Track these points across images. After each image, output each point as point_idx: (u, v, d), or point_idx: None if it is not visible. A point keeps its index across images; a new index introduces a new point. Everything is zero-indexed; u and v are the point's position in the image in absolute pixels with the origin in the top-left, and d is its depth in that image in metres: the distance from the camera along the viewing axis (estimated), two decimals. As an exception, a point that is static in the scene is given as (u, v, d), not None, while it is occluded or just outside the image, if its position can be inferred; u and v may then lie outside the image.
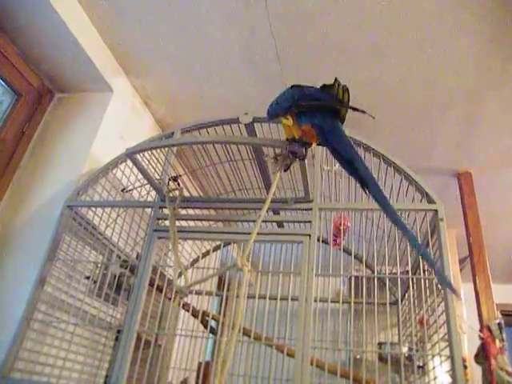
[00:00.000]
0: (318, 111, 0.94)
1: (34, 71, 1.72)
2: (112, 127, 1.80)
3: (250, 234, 1.19)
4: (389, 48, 1.65)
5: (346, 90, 0.94)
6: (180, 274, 1.15)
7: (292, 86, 1.01)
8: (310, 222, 1.19)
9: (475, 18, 1.49)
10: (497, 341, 1.77)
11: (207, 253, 2.05)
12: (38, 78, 1.75)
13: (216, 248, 2.10)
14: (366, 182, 0.83)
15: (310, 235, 1.16)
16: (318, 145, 1.04)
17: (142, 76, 1.92)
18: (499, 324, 1.83)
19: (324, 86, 0.95)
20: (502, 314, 2.06)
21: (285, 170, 1.05)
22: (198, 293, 1.55)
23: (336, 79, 0.94)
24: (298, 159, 1.04)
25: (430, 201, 1.16)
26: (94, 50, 1.67)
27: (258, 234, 1.05)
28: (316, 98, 0.94)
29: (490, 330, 1.80)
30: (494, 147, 2.08)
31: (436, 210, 1.14)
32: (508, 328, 1.95)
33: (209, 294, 2.06)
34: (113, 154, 1.53)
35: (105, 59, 1.76)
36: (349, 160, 0.87)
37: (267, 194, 1.65)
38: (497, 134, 2.00)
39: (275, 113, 1.01)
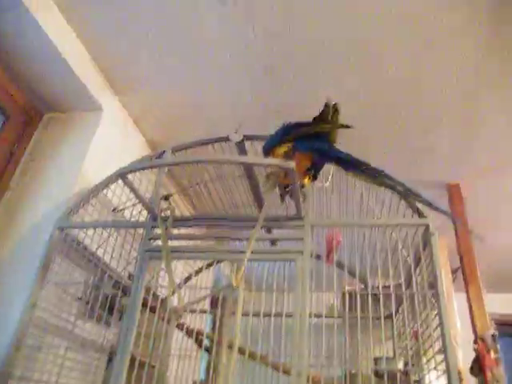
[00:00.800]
0: (313, 138, 0.98)
1: (22, 91, 1.72)
2: (102, 146, 1.80)
3: (243, 252, 1.20)
4: (385, 57, 1.67)
5: (335, 109, 0.98)
6: (173, 293, 1.15)
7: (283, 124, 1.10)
8: (302, 238, 1.19)
9: (467, 27, 1.52)
10: (492, 352, 1.77)
11: (200, 270, 2.04)
12: (27, 98, 1.75)
13: (208, 266, 2.09)
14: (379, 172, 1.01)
15: (302, 252, 1.16)
16: (310, 176, 1.10)
17: (132, 95, 1.93)
18: (493, 335, 1.83)
19: (315, 118, 1.05)
20: (496, 324, 2.07)
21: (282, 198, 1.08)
22: (192, 311, 1.54)
23: (326, 104, 0.99)
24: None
25: (421, 215, 1.17)
26: (83, 70, 1.68)
27: (252, 252, 1.05)
28: (307, 124, 1.02)
29: (484, 341, 1.80)
30: (483, 158, 2.11)
31: (427, 225, 1.15)
32: (503, 338, 1.96)
33: (203, 311, 2.04)
34: (103, 173, 1.53)
35: (95, 78, 1.77)
36: (356, 163, 1.03)
37: (258, 210, 1.67)
38: (486, 144, 2.03)
39: (271, 145, 1.07)
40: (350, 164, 1.06)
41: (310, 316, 1.10)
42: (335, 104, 1.02)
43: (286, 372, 1.13)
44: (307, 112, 1.93)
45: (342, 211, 1.29)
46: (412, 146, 2.10)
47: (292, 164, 0.97)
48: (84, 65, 1.70)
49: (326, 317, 1.22)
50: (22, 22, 1.44)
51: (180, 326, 1.60)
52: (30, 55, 1.58)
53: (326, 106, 1.02)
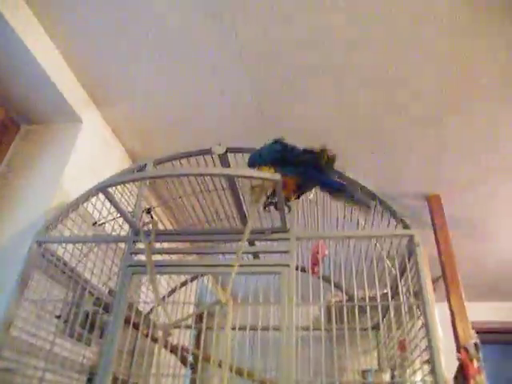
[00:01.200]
0: (301, 165, 1.05)
1: (-1, 103, 1.67)
2: (82, 159, 1.76)
3: (228, 265, 1.18)
4: (362, 74, 1.69)
5: (332, 158, 1.03)
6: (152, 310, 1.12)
7: (276, 141, 1.12)
8: (287, 252, 1.18)
9: (441, 43, 1.56)
10: (474, 361, 1.79)
11: (183, 285, 2.01)
12: (3, 110, 1.70)
13: (192, 279, 2.06)
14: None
15: (288, 265, 1.15)
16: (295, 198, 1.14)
17: (112, 107, 1.90)
18: (475, 344, 1.85)
19: (305, 151, 1.08)
20: (477, 332, 2.08)
21: (264, 208, 1.08)
22: (176, 327, 1.50)
23: (325, 149, 1.06)
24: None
25: (406, 226, 1.18)
26: (62, 81, 1.64)
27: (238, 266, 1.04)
28: (300, 155, 1.06)
29: (466, 350, 1.82)
30: (461, 168, 2.15)
31: (412, 236, 1.16)
32: (484, 345, 1.97)
33: (187, 327, 2.00)
34: (83, 186, 1.49)
35: (74, 90, 1.74)
36: (340, 189, 1.06)
37: (241, 223, 1.66)
38: (463, 155, 2.07)
39: (257, 163, 1.09)
40: (337, 190, 1.08)
41: (297, 329, 1.09)
42: (334, 155, 1.08)
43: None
44: (291, 125, 1.95)
45: (326, 223, 1.28)
46: (393, 159, 2.13)
47: (278, 176, 0.96)
48: (64, 77, 1.67)
49: (312, 329, 1.21)
50: (3, 36, 1.41)
51: (165, 343, 1.56)
52: (8, 66, 1.54)
53: (324, 150, 1.07)
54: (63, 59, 1.66)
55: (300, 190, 1.11)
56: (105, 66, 1.70)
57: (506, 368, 3.89)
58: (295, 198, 1.15)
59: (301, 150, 1.08)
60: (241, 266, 1.15)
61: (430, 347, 1.04)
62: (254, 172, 0.99)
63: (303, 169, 1.05)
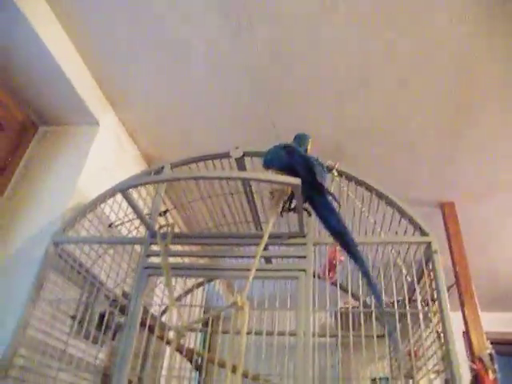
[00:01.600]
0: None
1: (17, 103, 1.69)
2: (98, 161, 1.77)
3: (245, 270, 1.18)
4: (374, 83, 1.70)
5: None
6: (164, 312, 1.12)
7: (285, 147, 1.11)
8: (304, 257, 1.18)
9: (455, 58, 1.56)
10: (490, 372, 1.76)
11: (192, 288, 2.01)
12: (22, 111, 1.72)
13: (200, 284, 2.06)
14: (356, 257, 0.96)
15: (305, 270, 1.15)
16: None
17: (129, 110, 1.92)
18: (490, 354, 1.83)
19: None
20: (492, 343, 2.05)
21: (281, 213, 1.08)
22: (190, 329, 1.50)
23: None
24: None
25: (424, 233, 1.17)
26: (81, 83, 1.66)
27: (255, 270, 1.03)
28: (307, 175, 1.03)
29: (482, 361, 1.79)
30: (477, 177, 2.13)
31: (429, 243, 1.15)
32: (499, 357, 1.94)
33: (197, 330, 2.00)
34: (99, 188, 1.50)
35: (92, 92, 1.76)
36: (340, 234, 1.00)
37: (255, 228, 1.66)
38: (479, 164, 2.05)
39: (271, 166, 1.09)
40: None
41: (314, 335, 1.08)
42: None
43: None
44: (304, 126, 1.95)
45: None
46: (408, 164, 2.12)
47: (298, 181, 0.96)
48: (82, 79, 1.69)
49: (325, 336, 1.20)
50: (23, 35, 1.43)
51: (177, 346, 1.56)
52: (28, 67, 1.56)
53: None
54: (82, 60, 1.68)
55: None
56: (123, 68, 1.72)
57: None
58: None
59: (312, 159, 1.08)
60: (258, 270, 1.15)
61: (447, 356, 1.02)
62: (276, 176, 0.99)
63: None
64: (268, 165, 1.11)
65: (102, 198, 1.44)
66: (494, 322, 3.38)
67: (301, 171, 1.01)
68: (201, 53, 1.63)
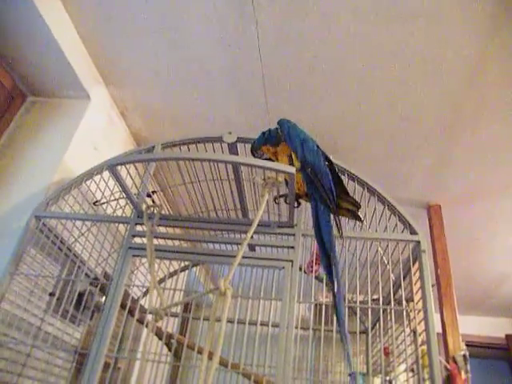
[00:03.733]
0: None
1: (6, 70, 1.63)
2: (86, 137, 1.72)
3: (231, 256, 1.17)
4: (373, 82, 1.69)
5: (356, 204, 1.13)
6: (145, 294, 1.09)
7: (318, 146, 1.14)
8: (292, 247, 1.17)
9: (454, 61, 1.56)
10: (462, 372, 1.79)
11: (174, 272, 1.98)
12: (10, 78, 1.66)
13: (184, 268, 2.03)
14: (335, 280, 0.99)
15: (292, 261, 1.14)
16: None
17: (121, 87, 1.87)
18: (464, 356, 1.86)
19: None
20: (466, 345, 2.09)
21: (275, 200, 1.07)
22: (168, 314, 1.48)
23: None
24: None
25: (413, 232, 1.17)
26: (75, 56, 1.61)
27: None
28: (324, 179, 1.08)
29: (455, 361, 1.82)
30: (464, 182, 2.16)
31: (418, 241, 1.15)
32: (470, 358, 1.98)
33: (174, 315, 1.98)
34: (85, 164, 1.46)
35: (85, 66, 1.70)
36: (328, 254, 1.03)
37: (243, 215, 1.64)
38: (467, 169, 2.07)
39: (300, 148, 1.10)
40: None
41: (297, 327, 1.08)
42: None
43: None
44: (299, 121, 1.93)
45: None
46: (398, 164, 2.13)
47: (293, 169, 0.95)
48: (76, 52, 1.63)
49: (305, 329, 1.19)
50: (19, 5, 1.37)
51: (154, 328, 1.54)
52: (21, 36, 1.50)
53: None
54: (77, 33, 1.62)
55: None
56: (118, 44, 1.67)
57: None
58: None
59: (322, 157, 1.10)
60: (244, 257, 1.14)
61: (428, 352, 1.03)
62: (273, 164, 0.97)
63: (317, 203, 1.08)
64: (295, 142, 1.09)
65: (89, 175, 1.40)
66: (468, 325, 3.46)
67: (326, 183, 1.06)
68: (199, 32, 1.58)
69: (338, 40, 1.54)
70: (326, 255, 1.04)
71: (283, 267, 1.13)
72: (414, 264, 1.17)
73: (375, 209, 1.25)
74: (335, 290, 0.99)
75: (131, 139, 2.12)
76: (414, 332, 1.40)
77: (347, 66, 1.64)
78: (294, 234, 1.19)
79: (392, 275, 1.36)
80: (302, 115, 1.90)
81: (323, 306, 1.13)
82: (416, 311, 1.12)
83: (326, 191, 1.05)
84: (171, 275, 2.02)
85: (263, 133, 1.18)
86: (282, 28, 1.53)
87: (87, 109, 1.73)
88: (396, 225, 1.22)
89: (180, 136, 2.05)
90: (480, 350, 3.77)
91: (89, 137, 1.75)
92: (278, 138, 1.12)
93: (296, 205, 1.15)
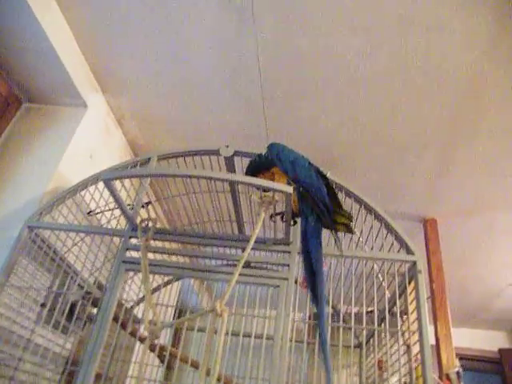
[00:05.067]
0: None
1: (0, 75, 1.61)
2: (82, 145, 1.71)
3: (227, 273, 1.15)
4: (372, 93, 1.69)
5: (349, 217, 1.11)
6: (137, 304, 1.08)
7: (310, 164, 1.15)
8: (288, 265, 1.16)
9: (452, 72, 1.56)
10: (455, 390, 1.78)
11: (167, 284, 1.96)
12: (5, 84, 1.64)
13: (177, 279, 2.01)
14: (319, 300, 1.00)
15: (287, 279, 1.13)
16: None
17: (119, 95, 1.86)
18: (458, 372, 1.85)
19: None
20: (458, 358, 2.08)
21: (271, 218, 1.06)
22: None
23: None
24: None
25: (409, 252, 1.16)
26: (72, 63, 1.60)
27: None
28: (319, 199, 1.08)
29: (449, 378, 1.81)
30: (460, 196, 2.16)
31: (415, 262, 1.14)
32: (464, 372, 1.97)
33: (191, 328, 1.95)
34: (80, 173, 1.45)
35: (82, 74, 1.69)
36: (314, 271, 1.03)
37: (238, 228, 1.63)
38: (464, 183, 2.08)
39: (290, 169, 1.10)
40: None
41: (291, 340, 1.07)
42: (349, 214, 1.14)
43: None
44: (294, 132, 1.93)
45: (329, 240, 1.25)
46: (394, 177, 2.13)
47: (291, 189, 0.94)
48: (74, 59, 1.62)
49: (299, 342, 1.18)
50: (15, 8, 1.36)
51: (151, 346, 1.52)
52: (17, 40, 1.49)
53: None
54: (75, 40, 1.61)
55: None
56: (116, 52, 1.66)
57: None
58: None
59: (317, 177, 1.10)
60: (240, 275, 1.12)
61: (424, 374, 1.02)
62: (269, 183, 0.96)
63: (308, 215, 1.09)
64: (285, 164, 1.09)
65: (84, 185, 1.38)
66: (461, 338, 3.46)
67: (320, 198, 1.06)
68: (198, 40, 1.58)
69: (336, 52, 1.54)
70: (312, 273, 1.04)
71: (278, 285, 1.12)
72: (409, 282, 1.17)
73: (372, 227, 1.24)
74: (319, 310, 0.98)
75: (127, 147, 2.11)
76: (408, 347, 1.40)
77: (346, 76, 1.64)
78: (289, 252, 1.18)
79: (387, 292, 1.35)
80: (299, 124, 1.90)
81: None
82: (411, 333, 1.11)
83: (320, 206, 1.05)
84: (166, 284, 2.00)
85: (253, 160, 1.19)
86: (282, 37, 1.53)
87: (83, 116, 1.72)
88: (392, 244, 1.21)
89: (177, 144, 2.05)
90: (473, 363, 3.77)
91: (85, 145, 1.73)
92: (271, 162, 1.12)
93: (292, 223, 1.14)
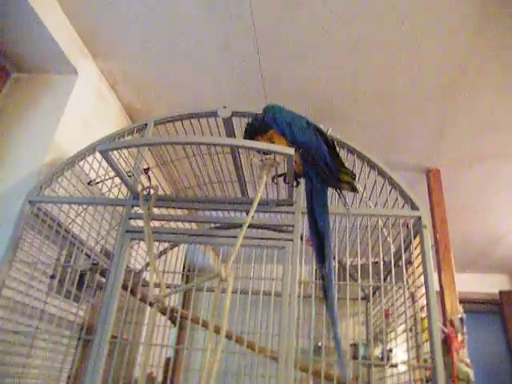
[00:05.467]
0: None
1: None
2: (76, 113, 1.67)
3: (231, 237, 1.16)
4: (371, 43, 1.62)
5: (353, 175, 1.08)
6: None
7: (308, 123, 1.09)
8: (292, 226, 1.16)
9: (457, 20, 1.49)
10: (459, 335, 1.84)
11: (173, 246, 1.98)
12: (-8, 54, 1.58)
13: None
14: (327, 261, 0.99)
15: (292, 240, 1.13)
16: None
17: (109, 59, 1.79)
18: (461, 318, 1.90)
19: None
20: (461, 302, 2.13)
21: (273, 180, 1.04)
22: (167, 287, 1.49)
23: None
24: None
25: (414, 207, 1.15)
26: (57, 28, 1.52)
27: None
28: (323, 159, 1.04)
29: (452, 324, 1.86)
30: (463, 146, 2.13)
31: (420, 217, 1.13)
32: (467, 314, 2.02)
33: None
34: (77, 142, 1.42)
35: (70, 39, 1.62)
36: (322, 234, 1.01)
37: (240, 189, 1.62)
38: (466, 134, 2.04)
39: (286, 130, 1.05)
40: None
41: (299, 296, 1.09)
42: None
43: (273, 357, 1.11)
44: (292, 87, 1.87)
45: (333, 198, 1.24)
46: (396, 128, 2.08)
47: (292, 151, 0.92)
48: (59, 24, 1.54)
49: (304, 296, 1.20)
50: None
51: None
52: (1, 10, 1.41)
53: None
54: (58, 3, 1.53)
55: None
56: (103, 14, 1.58)
57: (484, 337, 4.05)
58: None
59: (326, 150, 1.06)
60: (244, 238, 1.13)
61: (429, 328, 1.04)
62: (270, 145, 0.93)
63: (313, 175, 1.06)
64: (281, 126, 1.05)
65: (81, 156, 1.36)
66: (464, 282, 3.54)
67: (322, 158, 1.03)
68: (197, 1, 1.50)
69: (333, 4, 1.47)
70: (319, 236, 1.03)
71: (283, 247, 1.12)
72: (414, 237, 1.17)
73: (375, 182, 1.23)
74: (326, 273, 0.98)
75: (123, 112, 2.06)
76: (413, 298, 1.43)
77: (343, 30, 1.57)
78: (293, 212, 1.18)
79: (392, 246, 1.36)
80: (298, 80, 1.84)
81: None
82: (416, 287, 1.13)
83: (322, 166, 1.03)
84: (172, 247, 2.02)
85: (250, 124, 1.14)
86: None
87: (75, 83, 1.66)
88: (397, 199, 1.20)
89: (173, 107, 2.00)
90: (474, 305, 3.89)
91: (79, 113, 1.69)
92: (267, 124, 1.07)
93: (295, 184, 1.13)
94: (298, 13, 1.52)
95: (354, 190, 1.09)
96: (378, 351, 1.58)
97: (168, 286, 1.68)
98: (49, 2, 1.49)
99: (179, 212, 1.44)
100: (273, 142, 1.06)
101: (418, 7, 1.46)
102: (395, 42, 1.60)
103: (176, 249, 1.99)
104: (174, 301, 2.43)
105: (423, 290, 1.09)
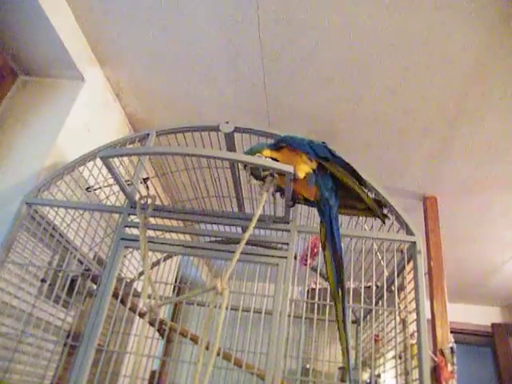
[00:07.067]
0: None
1: (-2, 48, 1.57)
2: (80, 119, 1.68)
3: (227, 251, 1.16)
4: (375, 69, 1.65)
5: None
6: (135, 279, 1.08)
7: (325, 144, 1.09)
8: (287, 243, 1.16)
9: (458, 49, 1.52)
10: (449, 365, 1.82)
11: (169, 256, 1.97)
12: (0, 56, 1.60)
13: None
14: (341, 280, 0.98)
15: (286, 258, 1.13)
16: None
17: (116, 68, 1.81)
18: (452, 348, 1.89)
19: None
20: (452, 332, 2.11)
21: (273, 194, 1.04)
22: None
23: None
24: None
25: (409, 232, 1.16)
26: (68, 35, 1.55)
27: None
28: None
29: (443, 354, 1.85)
30: (461, 175, 2.15)
31: (414, 242, 1.14)
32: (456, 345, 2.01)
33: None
34: (78, 147, 1.43)
35: (79, 46, 1.64)
36: (340, 255, 1.00)
37: (238, 204, 1.62)
38: (465, 162, 2.06)
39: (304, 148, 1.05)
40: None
41: (289, 316, 1.08)
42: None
43: (259, 375, 1.10)
44: (296, 109, 1.89)
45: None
46: (396, 154, 2.10)
47: (291, 168, 0.93)
48: (70, 31, 1.57)
49: (295, 317, 1.20)
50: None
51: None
52: (10, 11, 1.44)
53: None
54: (71, 11, 1.56)
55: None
56: (114, 24, 1.61)
57: (474, 369, 4.03)
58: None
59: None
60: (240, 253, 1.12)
61: (419, 353, 1.04)
62: (269, 162, 0.94)
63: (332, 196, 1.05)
64: (302, 145, 1.06)
65: (82, 161, 1.36)
66: (456, 313, 3.52)
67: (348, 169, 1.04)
68: (197, 13, 1.53)
69: (338, 27, 1.50)
70: (339, 267, 1.01)
71: (277, 264, 1.12)
72: (408, 262, 1.17)
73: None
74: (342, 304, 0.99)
75: (126, 121, 2.08)
76: (404, 324, 1.42)
77: (347, 52, 1.60)
78: (289, 230, 1.18)
79: (385, 270, 1.36)
80: (300, 99, 1.86)
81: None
82: (408, 312, 1.13)
83: (352, 181, 1.04)
84: (165, 258, 2.01)
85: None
86: (283, 11, 1.48)
87: (81, 90, 1.68)
88: (392, 223, 1.21)
89: (176, 119, 2.02)
90: (466, 336, 3.86)
91: (83, 119, 1.70)
92: (280, 141, 1.08)
93: (291, 204, 1.13)
94: (302, 34, 1.55)
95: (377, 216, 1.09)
96: (366, 376, 1.56)
97: (159, 298, 1.66)
98: (62, 8, 1.51)
99: (175, 223, 1.44)
100: (285, 157, 1.05)
101: (421, 36, 1.49)
102: (398, 68, 1.63)
103: (169, 260, 1.98)
104: (164, 313, 2.40)
105: (414, 315, 1.09)
